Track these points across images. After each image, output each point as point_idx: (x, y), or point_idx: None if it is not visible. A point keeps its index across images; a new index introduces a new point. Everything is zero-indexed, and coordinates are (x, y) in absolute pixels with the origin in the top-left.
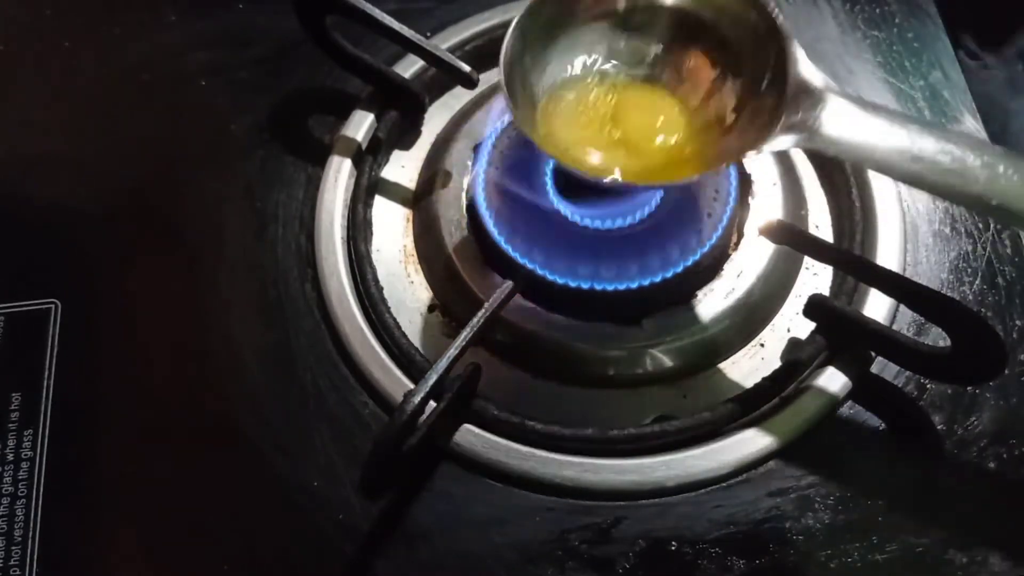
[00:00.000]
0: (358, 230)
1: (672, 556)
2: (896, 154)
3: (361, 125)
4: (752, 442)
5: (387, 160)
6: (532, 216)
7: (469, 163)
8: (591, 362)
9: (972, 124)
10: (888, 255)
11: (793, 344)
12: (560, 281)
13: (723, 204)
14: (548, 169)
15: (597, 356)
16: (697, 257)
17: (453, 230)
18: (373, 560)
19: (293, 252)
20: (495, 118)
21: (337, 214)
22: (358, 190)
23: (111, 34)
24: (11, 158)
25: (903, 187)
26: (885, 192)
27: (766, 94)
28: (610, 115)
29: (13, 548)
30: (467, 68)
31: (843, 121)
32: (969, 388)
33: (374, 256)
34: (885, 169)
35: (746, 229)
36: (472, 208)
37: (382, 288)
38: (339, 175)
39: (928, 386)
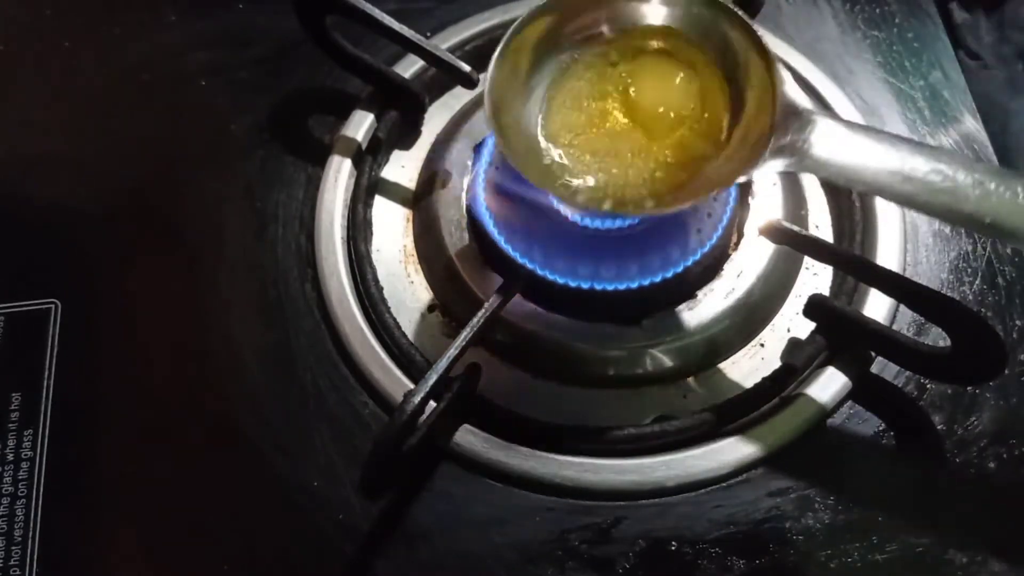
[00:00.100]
0: (358, 230)
1: (672, 556)
2: (887, 175)
3: (361, 125)
4: (752, 442)
5: (387, 160)
6: (532, 216)
7: (469, 163)
8: (591, 362)
9: (972, 124)
10: (888, 255)
11: (793, 344)
12: (560, 281)
13: (723, 204)
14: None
15: (597, 356)
16: (697, 257)
17: (453, 230)
18: (373, 560)
19: (293, 252)
20: None
21: (337, 214)
22: (358, 190)
23: (111, 34)
24: (11, 158)
25: None
26: None
27: (754, 118)
28: (602, 135)
29: (13, 548)
30: (467, 68)
31: (832, 143)
32: (969, 388)
33: (374, 256)
34: (876, 190)
35: (746, 229)
36: (472, 208)
37: (382, 288)
38: (339, 175)
39: (928, 386)
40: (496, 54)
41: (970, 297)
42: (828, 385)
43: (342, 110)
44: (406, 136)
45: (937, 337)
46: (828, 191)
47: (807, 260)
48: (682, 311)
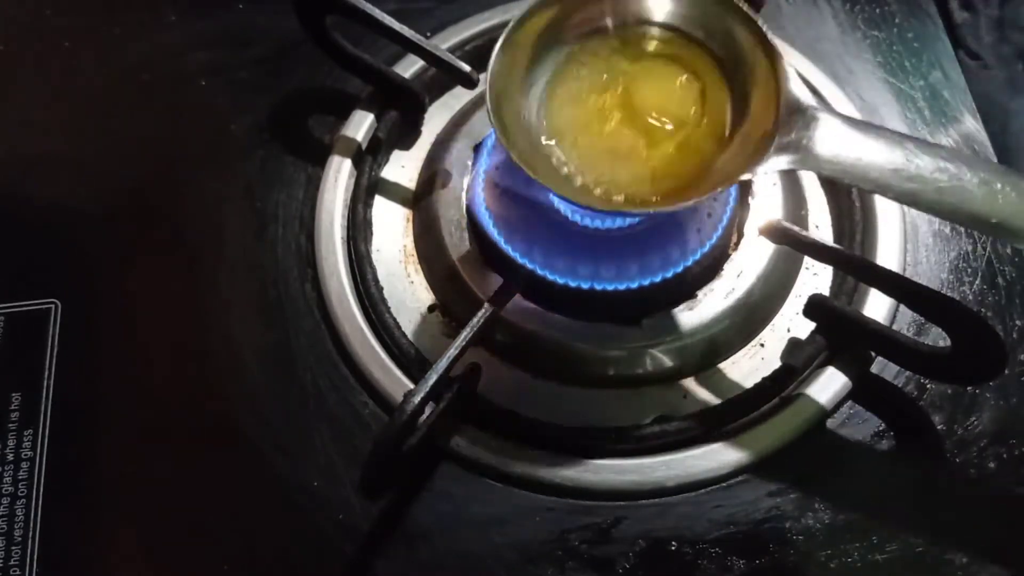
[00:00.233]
0: (358, 230)
1: (672, 556)
2: (891, 173)
3: (361, 125)
4: (752, 442)
5: (387, 160)
6: (532, 216)
7: (469, 163)
8: (591, 362)
9: (972, 124)
10: (888, 255)
11: (793, 344)
12: (560, 281)
13: (723, 204)
14: None
15: (597, 356)
16: (697, 257)
17: (453, 230)
18: (373, 560)
19: (293, 252)
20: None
21: (337, 214)
22: (358, 190)
23: (111, 34)
24: (11, 158)
25: None
26: None
27: (758, 115)
28: (605, 132)
29: (13, 548)
30: (467, 68)
31: (836, 140)
32: (969, 388)
33: (374, 256)
34: (881, 189)
35: (746, 229)
36: (472, 208)
37: (382, 288)
38: (339, 175)
39: (928, 386)
40: (498, 46)
41: (970, 297)
42: (828, 385)
43: (342, 110)
44: (406, 136)
45: (937, 337)
46: (828, 191)
47: (807, 260)
48: (682, 311)
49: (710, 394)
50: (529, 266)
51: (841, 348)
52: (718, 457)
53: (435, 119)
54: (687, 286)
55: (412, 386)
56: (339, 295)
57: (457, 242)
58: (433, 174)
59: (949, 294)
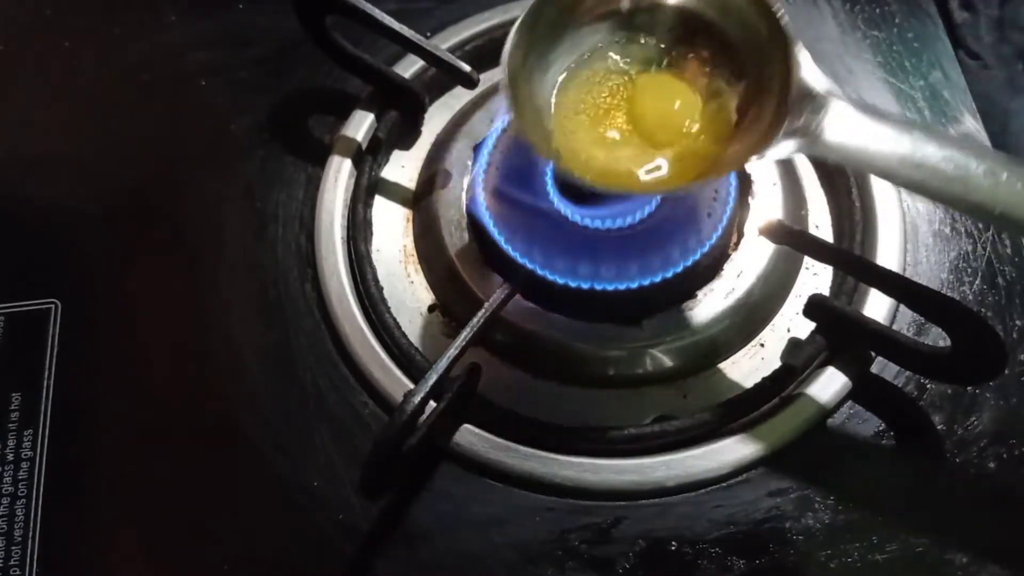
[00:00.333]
0: (358, 230)
1: (672, 556)
2: (898, 161)
3: (361, 125)
4: (752, 442)
5: (387, 160)
6: (532, 216)
7: (469, 163)
8: (591, 362)
9: (972, 124)
10: (888, 255)
11: (793, 344)
12: (560, 281)
13: (723, 204)
14: (548, 169)
15: (597, 356)
16: (697, 257)
17: (453, 230)
18: (373, 560)
19: (293, 252)
20: (495, 118)
21: (337, 214)
22: (358, 190)
23: (111, 34)
24: (11, 158)
25: None
26: (885, 192)
27: (769, 98)
28: (616, 116)
29: (13, 548)
30: (467, 68)
31: (845, 127)
32: (969, 388)
33: (374, 256)
34: (887, 176)
35: (746, 229)
36: (472, 208)
37: (382, 288)
38: (339, 175)
39: (928, 386)
40: (517, 24)
41: (970, 297)
42: (828, 385)
43: (342, 110)
44: (406, 136)
45: (937, 337)
46: (828, 191)
47: (807, 260)
48: (682, 311)
49: (710, 394)
50: (529, 266)
51: (841, 348)
52: (718, 457)
53: (435, 119)
54: (687, 286)
55: (412, 386)
56: (339, 295)
57: (457, 242)
58: (433, 174)
59: (949, 294)
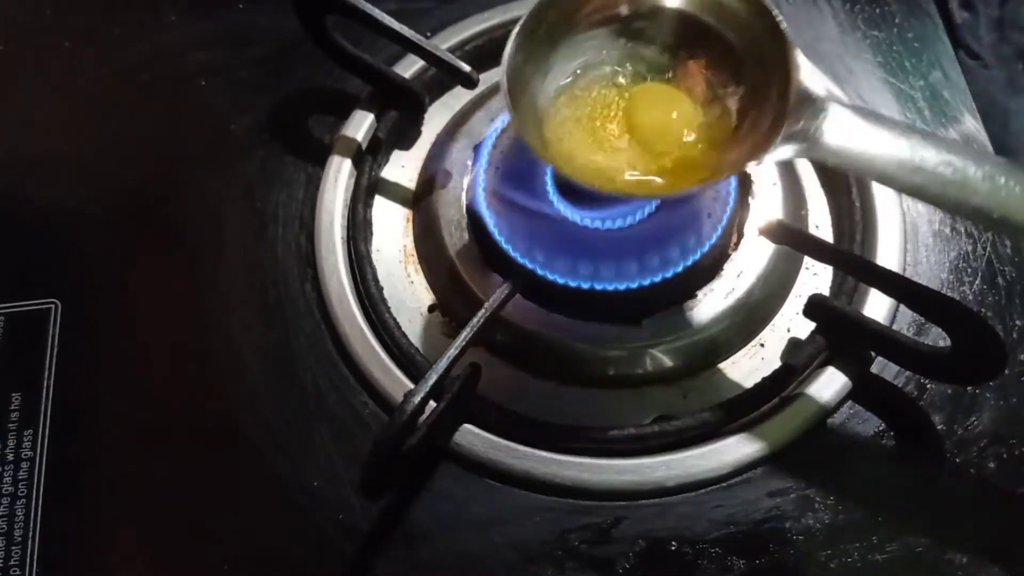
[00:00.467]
0: (358, 230)
1: (672, 556)
2: (897, 165)
3: (361, 125)
4: (752, 442)
5: (387, 160)
6: (532, 216)
7: (469, 163)
8: (591, 362)
9: (972, 124)
10: (888, 255)
11: (793, 344)
12: (560, 281)
13: (723, 204)
14: (548, 169)
15: (597, 356)
16: (697, 257)
17: (453, 230)
18: (373, 560)
19: (293, 252)
20: (495, 118)
21: (337, 214)
22: (358, 190)
23: (111, 34)
24: (11, 158)
25: None
26: (885, 192)
27: (768, 103)
28: (614, 121)
29: (13, 548)
30: (467, 68)
31: (844, 131)
32: (969, 388)
33: (374, 256)
34: (886, 180)
35: (746, 229)
36: (472, 208)
37: (382, 288)
38: (339, 175)
39: (928, 386)
40: (517, 29)
41: (970, 297)
42: (828, 385)
43: (342, 110)
44: (406, 136)
45: (937, 337)
46: (828, 191)
47: (807, 260)
48: (682, 311)
49: (710, 394)
50: (529, 266)
51: (841, 348)
52: (718, 457)
53: (435, 119)
54: (687, 286)
55: (412, 386)
56: (339, 295)
57: (457, 242)
58: (433, 174)
59: (949, 294)
